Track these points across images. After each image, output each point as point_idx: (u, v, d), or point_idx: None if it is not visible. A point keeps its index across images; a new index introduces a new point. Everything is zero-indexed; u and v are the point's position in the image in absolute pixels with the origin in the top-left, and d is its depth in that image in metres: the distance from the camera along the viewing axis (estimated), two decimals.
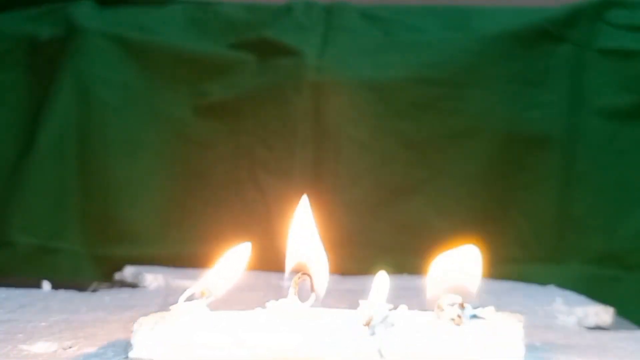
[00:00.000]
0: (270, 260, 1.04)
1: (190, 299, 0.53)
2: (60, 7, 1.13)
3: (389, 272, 0.56)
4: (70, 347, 0.54)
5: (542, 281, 0.87)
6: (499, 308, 0.55)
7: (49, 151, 1.07)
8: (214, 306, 0.54)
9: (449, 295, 0.52)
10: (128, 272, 0.86)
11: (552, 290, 0.81)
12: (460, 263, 0.54)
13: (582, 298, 0.77)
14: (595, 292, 0.81)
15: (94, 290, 0.78)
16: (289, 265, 0.55)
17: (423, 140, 1.07)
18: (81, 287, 0.78)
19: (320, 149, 1.06)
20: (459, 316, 0.51)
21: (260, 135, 1.08)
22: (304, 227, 0.56)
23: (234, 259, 0.56)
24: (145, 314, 0.53)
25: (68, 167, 1.08)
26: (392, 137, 1.07)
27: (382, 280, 0.54)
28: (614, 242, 1.05)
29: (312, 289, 0.54)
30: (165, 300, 0.69)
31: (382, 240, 1.06)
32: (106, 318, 0.63)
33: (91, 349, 0.53)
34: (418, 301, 0.68)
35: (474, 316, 0.53)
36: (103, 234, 1.08)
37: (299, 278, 0.53)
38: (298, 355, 0.50)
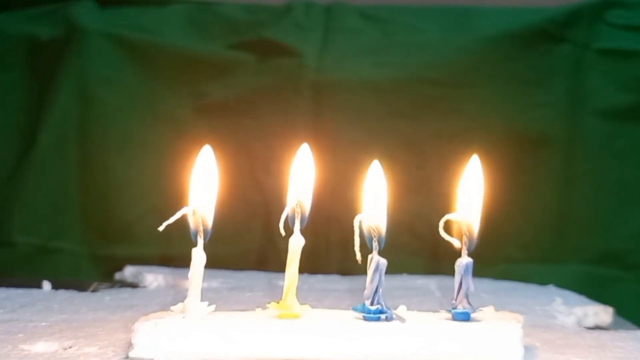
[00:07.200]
0: (270, 260, 1.04)
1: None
2: (61, 7, 1.13)
3: (389, 272, 0.56)
4: (70, 347, 0.54)
5: (542, 281, 0.86)
6: (498, 308, 0.55)
7: (49, 151, 1.07)
8: (215, 306, 0.54)
9: None
10: (128, 272, 0.86)
11: (551, 290, 0.81)
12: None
13: (581, 298, 0.77)
14: (595, 292, 0.80)
15: (94, 290, 0.78)
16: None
17: (423, 140, 1.07)
18: (81, 287, 0.78)
19: (320, 149, 1.06)
20: None
21: (260, 135, 1.08)
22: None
23: (203, 167, 0.57)
24: (146, 314, 0.53)
25: (68, 167, 1.08)
26: (392, 137, 1.07)
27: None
28: (613, 242, 1.05)
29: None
30: (165, 300, 0.69)
31: None
32: (106, 318, 0.63)
33: (91, 349, 0.53)
34: (417, 301, 0.69)
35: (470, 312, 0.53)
36: (103, 234, 1.08)
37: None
38: (297, 355, 0.50)
